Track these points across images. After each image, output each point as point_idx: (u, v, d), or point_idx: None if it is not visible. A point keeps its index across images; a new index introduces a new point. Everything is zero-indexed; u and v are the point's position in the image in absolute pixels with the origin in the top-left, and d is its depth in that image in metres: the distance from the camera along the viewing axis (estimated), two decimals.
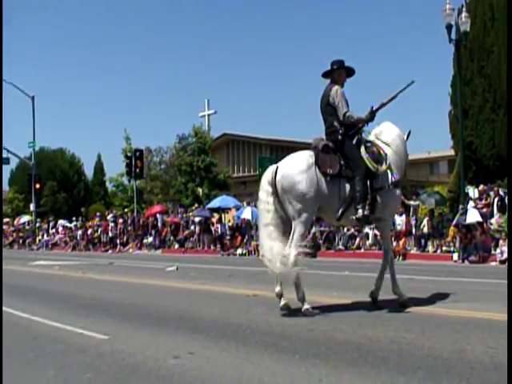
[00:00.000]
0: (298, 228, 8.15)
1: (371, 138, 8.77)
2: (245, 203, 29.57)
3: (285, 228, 8.34)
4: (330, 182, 8.08)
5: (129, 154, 38.05)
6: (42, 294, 12.43)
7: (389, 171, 8.32)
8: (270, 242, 8.24)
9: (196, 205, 33.68)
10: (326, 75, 8.74)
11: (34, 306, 10.33)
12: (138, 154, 36.78)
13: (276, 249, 8.14)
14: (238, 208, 29.91)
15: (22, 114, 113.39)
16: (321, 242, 24.14)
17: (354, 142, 8.46)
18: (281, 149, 44.32)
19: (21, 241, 42.98)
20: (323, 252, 23.46)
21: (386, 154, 8.39)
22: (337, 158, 8.19)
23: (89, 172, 70.23)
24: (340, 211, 8.16)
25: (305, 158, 8.24)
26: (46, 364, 6.09)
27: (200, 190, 40.26)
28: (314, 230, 23.09)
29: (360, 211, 8.03)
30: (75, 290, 13.05)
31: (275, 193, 8.26)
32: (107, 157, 70.46)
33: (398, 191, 8.53)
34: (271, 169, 8.47)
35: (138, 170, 36.03)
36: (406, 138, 9.00)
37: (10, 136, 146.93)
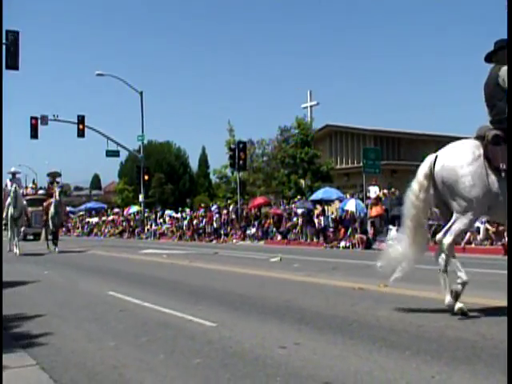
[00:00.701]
0: (460, 220, 7.40)
1: None
2: (348, 195, 29.26)
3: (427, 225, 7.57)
4: (503, 178, 7.02)
5: (232, 146, 38.54)
6: (152, 281, 12.84)
7: None
8: (405, 238, 7.78)
9: (298, 196, 33.63)
10: (488, 58, 7.71)
11: (144, 293, 10.69)
12: (241, 145, 37.21)
13: (402, 247, 7.75)
14: (341, 200, 29.61)
15: (132, 109, 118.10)
16: (429, 235, 23.36)
17: None
18: (385, 140, 43.52)
19: (130, 230, 44.68)
20: (431, 246, 22.74)
21: None
22: None
23: (194, 164, 72.24)
24: None
25: (469, 148, 7.29)
26: (157, 348, 6.28)
27: (303, 182, 40.18)
28: None
29: None
30: (183, 277, 13.41)
31: (434, 186, 7.47)
32: (211, 149, 72.19)
33: None
34: (429, 158, 7.58)
35: (241, 162, 36.47)
36: None
37: (120, 130, 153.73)
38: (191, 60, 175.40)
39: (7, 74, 30.43)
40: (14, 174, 24.99)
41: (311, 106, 46.19)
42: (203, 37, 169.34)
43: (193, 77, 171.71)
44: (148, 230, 42.46)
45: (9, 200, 23.50)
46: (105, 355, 6.05)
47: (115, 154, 45.63)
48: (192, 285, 11.93)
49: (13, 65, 25.86)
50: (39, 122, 40.68)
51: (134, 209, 48.71)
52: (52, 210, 24.41)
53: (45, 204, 25.53)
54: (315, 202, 30.95)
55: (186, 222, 38.39)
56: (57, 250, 24.03)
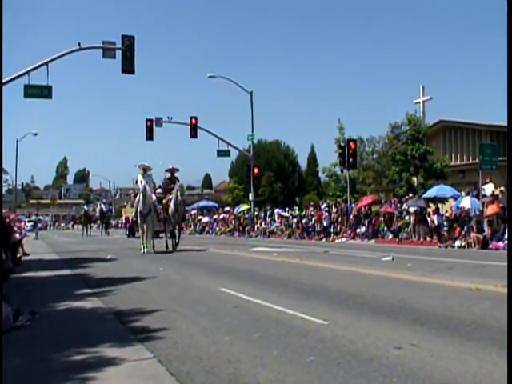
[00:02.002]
0: None
1: None
2: (463, 193, 28.16)
3: None
4: None
5: (342, 144, 38.16)
6: (263, 279, 12.98)
7: None
8: None
9: (410, 194, 32.79)
10: None
11: (256, 289, 10.82)
12: (351, 143, 36.76)
13: None
14: (455, 198, 28.57)
15: (242, 109, 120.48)
16: None
17: None
18: (502, 135, 41.57)
19: (240, 228, 45.32)
20: None
21: None
22: None
23: (302, 163, 72.35)
24: None
25: None
26: (270, 344, 6.33)
27: (415, 180, 39.16)
28: None
29: None
30: (294, 275, 13.43)
31: None
32: (320, 147, 72.14)
33: None
34: None
35: (351, 160, 36.05)
36: None
37: (230, 130, 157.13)
38: (300, 60, 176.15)
39: (123, 77, 31.74)
40: (145, 169, 24.29)
41: (424, 102, 44.91)
42: (311, 37, 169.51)
43: (302, 76, 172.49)
44: (258, 228, 42.91)
45: (138, 197, 23.71)
46: (220, 350, 6.18)
47: (226, 153, 46.47)
48: (303, 283, 11.93)
49: (129, 69, 26.87)
50: (154, 123, 42.21)
51: (243, 207, 49.36)
52: (172, 207, 24.27)
53: (164, 201, 25.17)
54: (428, 200, 30.02)
55: (295, 221, 38.45)
56: (176, 247, 24.28)
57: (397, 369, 5.21)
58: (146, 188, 23.08)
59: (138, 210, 23.37)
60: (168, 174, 26.40)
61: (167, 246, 24.61)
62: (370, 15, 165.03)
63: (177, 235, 25.12)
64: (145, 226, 23.40)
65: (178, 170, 26.42)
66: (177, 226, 25.35)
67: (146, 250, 22.87)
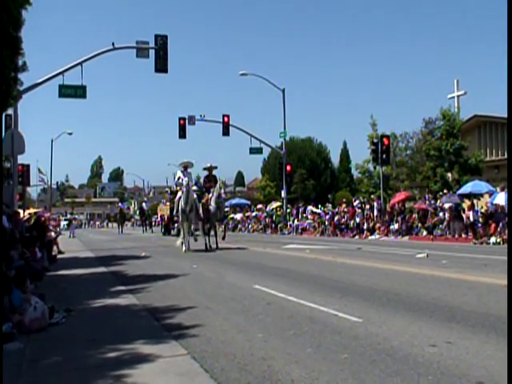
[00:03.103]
0: None
1: None
2: (498, 188, 27.71)
3: None
4: None
5: (375, 140, 37.83)
6: (296, 276, 12.93)
7: None
8: None
9: (445, 191, 32.38)
10: None
11: (289, 287, 10.81)
12: (384, 139, 36.44)
13: None
14: (491, 194, 28.10)
15: (274, 107, 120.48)
16: None
17: None
18: None
19: (273, 225, 45.30)
20: None
21: None
22: None
23: (335, 159, 71.98)
24: None
25: None
26: (304, 342, 6.31)
27: (449, 175, 38.66)
28: None
29: None
30: (327, 272, 13.38)
31: None
32: (352, 144, 71.53)
33: None
34: None
35: (384, 156, 35.73)
36: None
37: (262, 127, 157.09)
38: (332, 56, 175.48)
39: (156, 76, 31.97)
40: (185, 167, 23.90)
41: (458, 96, 44.25)
42: (344, 33, 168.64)
43: (334, 72, 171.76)
44: (290, 225, 42.86)
45: (179, 194, 23.29)
46: (253, 347, 6.18)
47: (258, 151, 46.52)
48: (336, 280, 11.87)
49: (162, 68, 27.08)
50: (187, 122, 42.48)
51: (275, 204, 49.22)
52: (213, 204, 23.63)
53: (203, 200, 24.14)
54: (463, 196, 29.59)
55: (327, 218, 38.28)
56: (216, 245, 23.76)
57: (432, 367, 5.16)
58: (190, 185, 22.75)
59: (180, 207, 22.93)
60: (206, 172, 25.68)
61: (206, 245, 23.63)
62: (403, 9, 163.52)
63: (212, 233, 24.45)
64: (186, 224, 23.01)
65: (215, 168, 25.64)
66: (217, 225, 24.70)
67: (183, 248, 22.63)
